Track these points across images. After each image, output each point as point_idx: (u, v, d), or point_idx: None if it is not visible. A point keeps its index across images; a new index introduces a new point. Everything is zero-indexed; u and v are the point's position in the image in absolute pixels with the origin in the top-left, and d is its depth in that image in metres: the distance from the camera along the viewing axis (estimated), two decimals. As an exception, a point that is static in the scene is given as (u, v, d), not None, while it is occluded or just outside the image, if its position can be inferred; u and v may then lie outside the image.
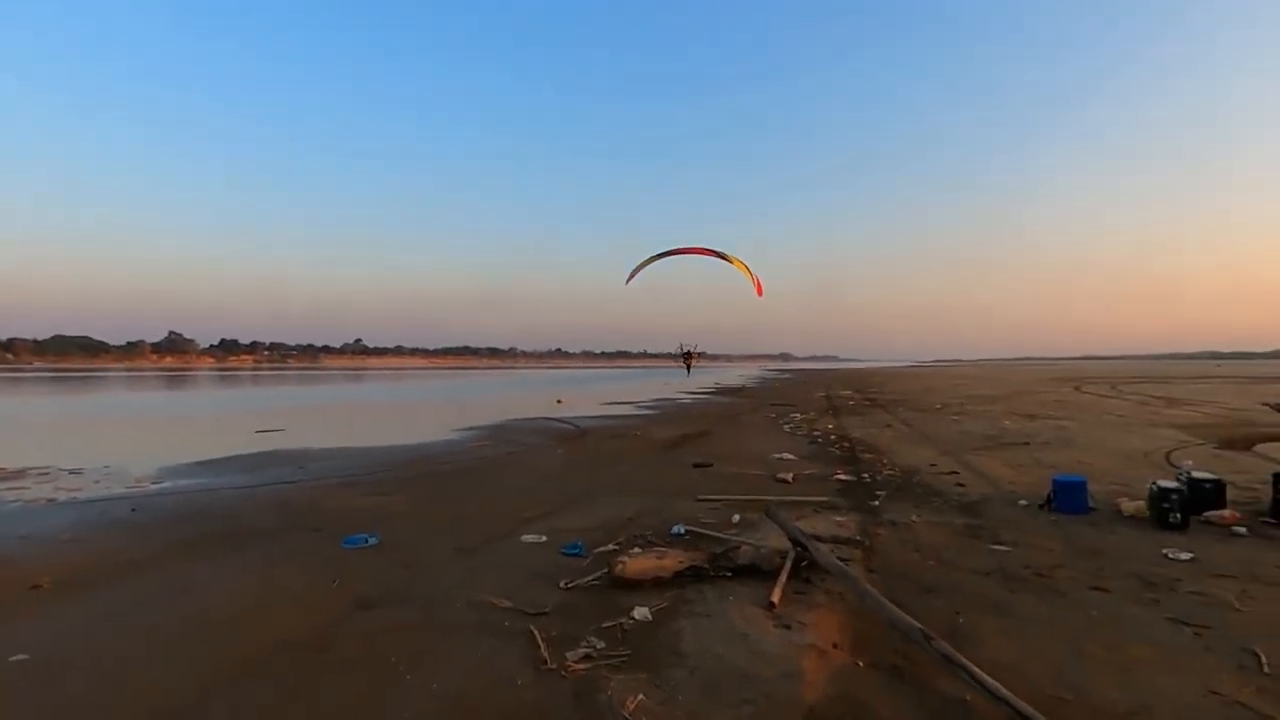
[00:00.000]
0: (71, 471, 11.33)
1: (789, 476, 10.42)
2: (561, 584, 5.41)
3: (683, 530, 7.00)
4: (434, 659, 4.08)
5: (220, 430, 19.43)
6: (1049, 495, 8.04)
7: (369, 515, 8.07)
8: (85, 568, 6.00)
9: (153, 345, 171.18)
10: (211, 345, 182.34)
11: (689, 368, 16.55)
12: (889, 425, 18.89)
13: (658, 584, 5.23)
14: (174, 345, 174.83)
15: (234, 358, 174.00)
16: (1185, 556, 6.00)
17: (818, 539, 6.05)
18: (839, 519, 7.61)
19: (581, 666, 3.93)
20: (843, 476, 10.49)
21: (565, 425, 20.25)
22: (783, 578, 5.15)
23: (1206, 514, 7.18)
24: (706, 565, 5.33)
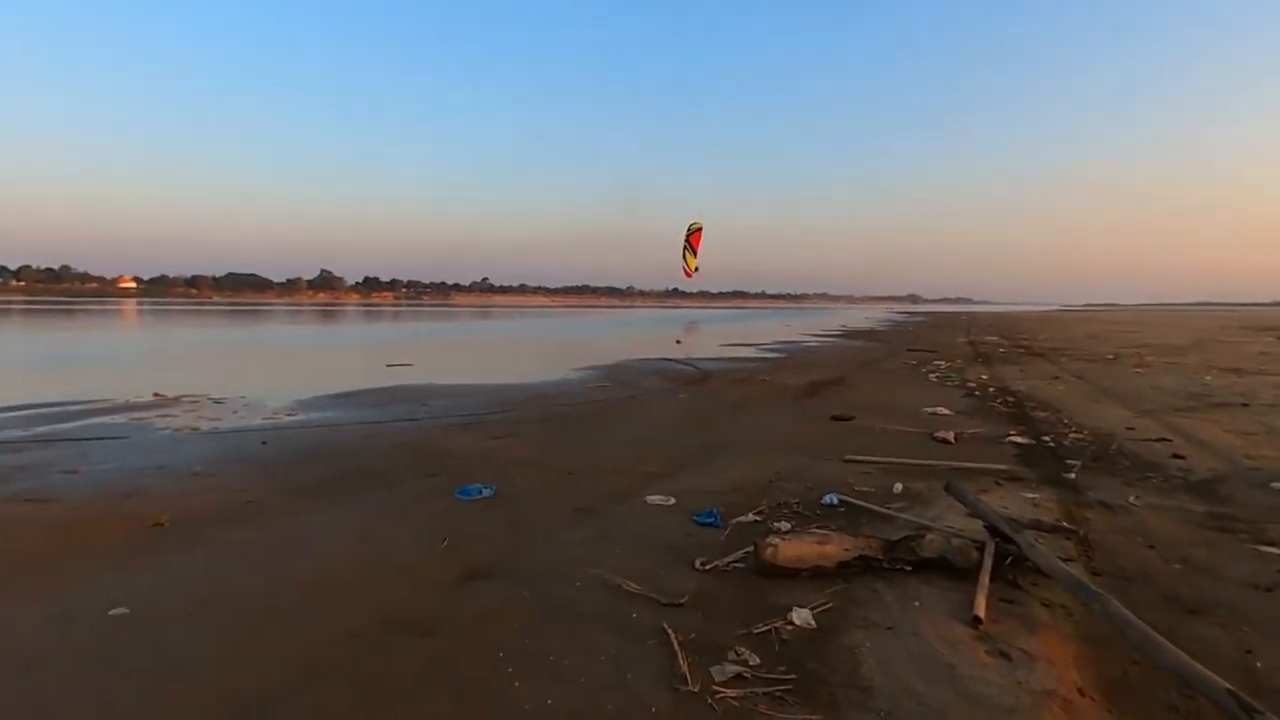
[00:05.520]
0: (216, 401, 11.81)
1: (950, 436, 8.96)
2: (697, 564, 4.54)
3: (835, 501, 5.92)
4: (552, 663, 3.32)
5: (355, 363, 20.24)
6: (1323, 479, 6.19)
7: (485, 461, 7.59)
8: (205, 507, 5.83)
9: (308, 282, 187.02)
10: (356, 282, 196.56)
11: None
12: (1056, 377, 16.50)
13: (815, 574, 4.23)
14: (326, 282, 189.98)
15: (376, 294, 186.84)
16: None
17: (1015, 524, 4.78)
18: (1030, 495, 6.22)
19: (733, 694, 3.03)
20: (1018, 439, 8.88)
21: (685, 367, 19.37)
22: (984, 580, 3.98)
23: None
24: (881, 556, 4.24)
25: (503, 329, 49.07)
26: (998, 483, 6.67)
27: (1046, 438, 8.95)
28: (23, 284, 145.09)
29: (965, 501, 4.95)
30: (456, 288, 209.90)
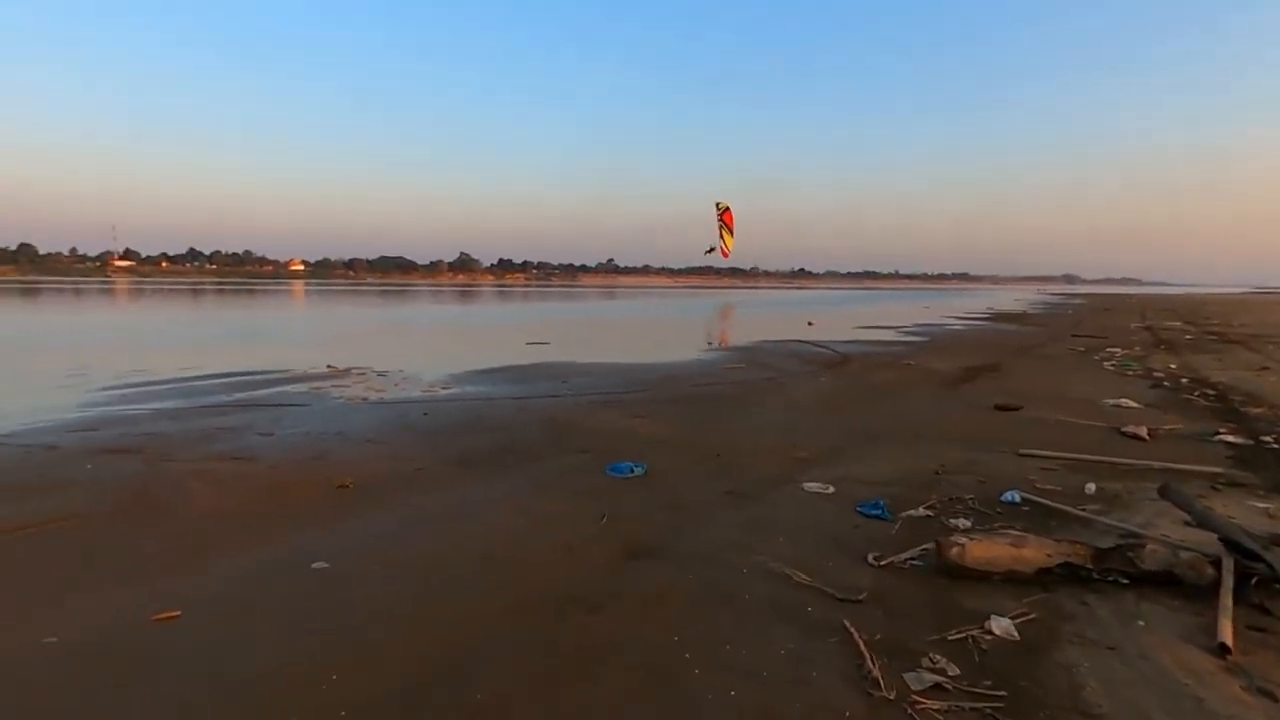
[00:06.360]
0: (380, 373, 12.74)
1: (1142, 431, 7.93)
2: (870, 558, 4.26)
3: (1018, 499, 5.38)
4: (729, 652, 3.21)
5: (497, 341, 21.21)
6: None
7: (631, 440, 7.61)
8: (379, 473, 6.25)
9: (449, 264, 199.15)
10: (491, 264, 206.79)
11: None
12: (1266, 368, 14.27)
13: (1007, 579, 3.82)
14: (464, 264, 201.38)
15: (509, 275, 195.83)
16: None
17: (1259, 539, 4.08)
18: (1260, 504, 5.34)
19: (934, 706, 2.77)
20: (1230, 438, 7.71)
21: (822, 350, 18.63)
22: (1226, 602, 3.41)
23: None
24: (1090, 565, 3.76)
25: (630, 309, 49.77)
26: (1214, 488, 5.79)
27: (1268, 438, 7.69)
28: (214, 266, 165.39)
29: (1191, 509, 4.29)
30: (583, 269, 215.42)
